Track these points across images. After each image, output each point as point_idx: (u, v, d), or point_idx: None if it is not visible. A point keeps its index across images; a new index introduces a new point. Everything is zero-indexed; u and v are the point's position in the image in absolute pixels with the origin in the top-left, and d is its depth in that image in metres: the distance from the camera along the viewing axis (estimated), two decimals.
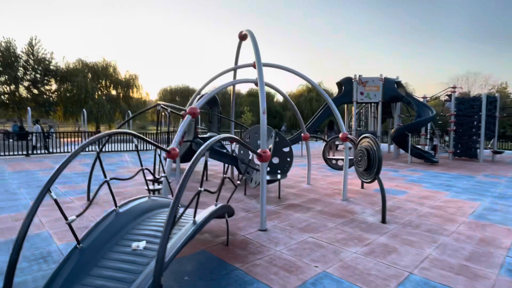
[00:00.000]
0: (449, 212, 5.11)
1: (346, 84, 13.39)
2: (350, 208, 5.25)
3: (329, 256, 3.34)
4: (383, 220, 4.52)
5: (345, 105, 14.55)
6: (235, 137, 3.30)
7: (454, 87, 13.03)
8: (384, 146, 17.33)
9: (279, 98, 73.87)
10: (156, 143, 3.70)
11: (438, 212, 5.09)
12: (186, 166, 9.66)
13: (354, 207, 5.34)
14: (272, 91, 76.01)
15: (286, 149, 5.86)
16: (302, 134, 7.12)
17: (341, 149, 14.04)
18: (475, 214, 4.97)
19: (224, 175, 3.12)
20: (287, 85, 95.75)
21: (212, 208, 2.96)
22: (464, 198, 6.05)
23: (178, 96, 49.25)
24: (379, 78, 12.89)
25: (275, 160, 6.00)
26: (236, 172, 7.64)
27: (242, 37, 5.53)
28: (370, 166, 4.81)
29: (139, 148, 3.66)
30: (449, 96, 13.21)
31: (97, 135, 2.59)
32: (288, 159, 5.88)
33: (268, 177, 5.79)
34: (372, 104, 14.04)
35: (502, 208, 5.37)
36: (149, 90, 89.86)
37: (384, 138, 17.86)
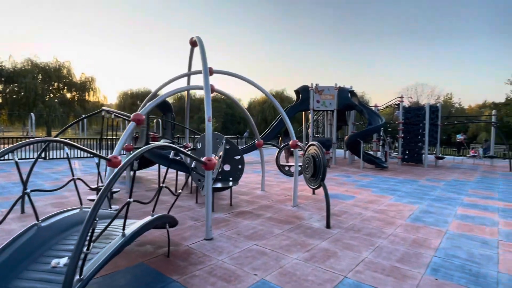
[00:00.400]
0: (390, 215, 5.40)
1: (303, 92, 13.78)
2: (299, 214, 5.35)
3: (270, 264, 3.37)
4: (328, 225, 4.66)
5: (303, 112, 14.91)
6: (172, 145, 3.23)
7: (401, 97, 13.93)
8: (340, 152, 18.03)
9: (244, 103, 74.17)
10: (94, 151, 3.52)
11: (380, 216, 5.36)
12: (141, 172, 9.37)
13: (303, 213, 5.45)
14: (237, 96, 75.92)
15: (238, 157, 5.86)
16: (256, 141, 7.18)
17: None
18: (412, 217, 5.30)
19: (162, 184, 3.03)
20: (252, 92, 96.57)
21: (146, 219, 2.86)
22: (405, 202, 6.44)
23: (139, 100, 47.66)
24: (334, 87, 13.43)
25: (227, 168, 5.97)
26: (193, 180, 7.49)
27: (193, 44, 5.49)
28: (316, 173, 4.95)
29: (92, 155, 3.42)
30: (398, 105, 14.11)
31: (15, 144, 2.40)
32: (240, 166, 5.89)
33: (219, 185, 5.75)
34: (328, 112, 14.55)
35: (437, 210, 5.79)
36: (108, 93, 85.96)
37: (340, 145, 18.55)
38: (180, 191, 3.50)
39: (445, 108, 60.81)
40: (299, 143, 5.69)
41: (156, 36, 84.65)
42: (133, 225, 2.76)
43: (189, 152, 4.31)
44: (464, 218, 5.30)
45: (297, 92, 14.13)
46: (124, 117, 5.95)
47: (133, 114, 4.42)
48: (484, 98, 69.58)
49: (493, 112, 15.41)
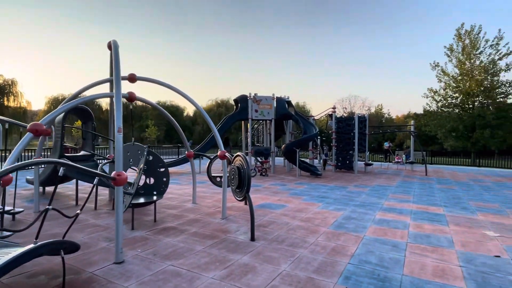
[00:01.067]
0: (315, 223, 5.51)
1: (241, 102, 13.83)
2: (226, 227, 5.19)
3: (182, 286, 3.12)
4: (252, 238, 4.57)
5: (242, 121, 14.95)
6: (60, 161, 2.84)
7: (334, 108, 14.78)
8: (280, 161, 18.45)
9: (189, 112, 72.45)
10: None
11: (306, 224, 5.45)
12: (51, 189, 8.25)
13: (231, 225, 5.30)
14: (182, 104, 74.03)
15: (162, 169, 5.52)
16: (186, 152, 6.89)
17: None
18: (335, 224, 5.48)
19: (48, 206, 2.62)
20: (197, 100, 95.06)
21: (24, 248, 2.43)
22: (332, 209, 6.67)
23: None
24: (272, 97, 13.71)
25: (150, 181, 5.58)
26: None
27: (110, 47, 5.06)
28: (241, 184, 4.85)
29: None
30: (331, 115, 14.92)
31: None
32: (164, 179, 5.55)
33: (142, 200, 5.33)
34: (267, 121, 14.79)
35: (358, 216, 6.08)
36: (33, 99, 77.29)
37: (280, 153, 18.98)
38: (78, 212, 3.10)
39: (377, 118, 66.71)
40: (227, 154, 5.55)
41: (92, 38, 79.15)
42: (5, 256, 2.31)
43: (107, 165, 3.87)
44: (381, 222, 5.63)
45: (236, 101, 14.14)
46: (22, 127, 5.23)
47: (30, 123, 3.86)
48: (409, 109, 78.19)
49: (412, 122, 17.14)
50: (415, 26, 74.69)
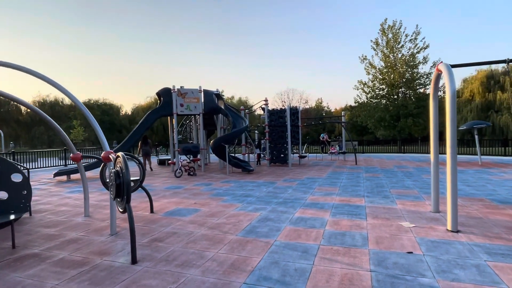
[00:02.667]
0: (224, 230, 4.75)
1: (165, 95, 12.60)
2: (109, 247, 4.15)
3: None
4: (134, 260, 3.61)
5: (168, 117, 13.71)
6: None
7: (266, 100, 14.28)
8: (213, 158, 17.54)
9: (127, 110, 67.62)
10: None
11: (212, 232, 4.65)
12: None
13: (116, 244, 4.27)
14: (118, 103, 68.86)
15: (18, 178, 4.25)
16: (71, 155, 5.62)
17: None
18: (247, 229, 4.77)
19: None
20: (135, 97, 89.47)
21: None
22: (250, 209, 5.99)
23: None
24: (199, 90, 12.71)
25: (2, 195, 4.28)
26: None
27: None
28: (120, 193, 3.84)
29: None
30: (263, 109, 14.43)
31: None
32: (25, 192, 4.28)
33: None
34: (197, 116, 13.80)
35: (276, 216, 5.47)
36: None
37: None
38: None
39: (317, 112, 69.37)
40: (111, 155, 4.48)
41: None
42: None
43: None
44: (298, 222, 5.08)
45: (158, 95, 12.86)
46: None
47: None
48: (346, 102, 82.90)
49: (342, 113, 17.53)
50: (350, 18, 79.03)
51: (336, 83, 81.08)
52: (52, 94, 62.80)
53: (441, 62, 4.56)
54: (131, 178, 5.74)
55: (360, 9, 75.95)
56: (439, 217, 5.17)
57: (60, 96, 66.32)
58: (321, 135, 23.60)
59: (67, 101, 63.49)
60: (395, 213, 5.48)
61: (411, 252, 3.70)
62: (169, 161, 13.12)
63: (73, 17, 77.62)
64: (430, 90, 6.08)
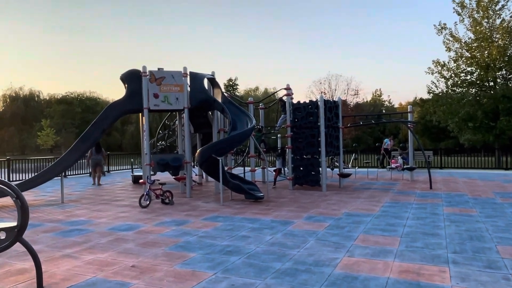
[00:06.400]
0: None
1: (130, 82, 11.18)
2: None
3: None
4: None
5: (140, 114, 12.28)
6: None
7: (287, 88, 12.57)
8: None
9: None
10: None
11: None
12: None
13: None
14: (104, 97, 70.36)
15: None
16: None
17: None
18: None
19: None
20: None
21: None
22: None
23: None
24: (182, 72, 11.19)
25: None
26: None
27: None
28: None
29: None
30: (283, 102, 12.95)
31: None
32: None
33: None
34: (182, 113, 12.33)
35: None
36: None
37: None
38: None
39: (374, 107, 66.40)
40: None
41: None
42: None
43: None
44: None
45: (122, 80, 11.48)
46: None
47: None
48: (415, 94, 79.02)
49: (409, 109, 15.29)
50: None
51: (401, 70, 77.58)
52: (26, 86, 64.86)
53: None
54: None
55: None
56: None
57: (37, 88, 68.53)
58: (385, 141, 21.43)
59: (45, 94, 65.53)
60: None
61: None
62: (141, 180, 11.78)
63: None
64: None
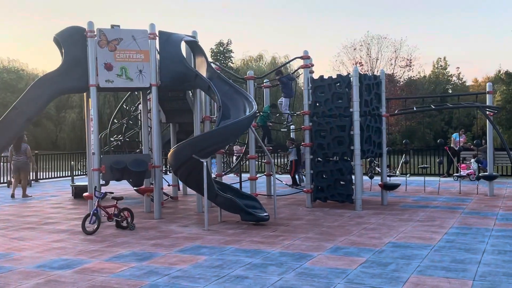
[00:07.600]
0: None
1: (70, 45, 11.39)
2: None
3: None
4: None
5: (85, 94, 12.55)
6: None
7: (305, 57, 12.82)
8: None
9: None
10: None
11: None
12: None
13: None
14: (30, 68, 71.12)
15: None
16: None
17: None
18: None
19: None
20: None
21: None
22: None
23: None
24: (148, 32, 11.36)
25: None
26: None
27: None
28: None
29: None
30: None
31: None
32: None
33: None
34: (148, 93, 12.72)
35: None
36: None
37: None
38: None
39: (436, 84, 66.63)
40: None
41: None
42: None
43: None
44: None
45: (57, 43, 11.71)
46: None
47: None
48: (498, 67, 79.43)
49: (488, 87, 15.39)
50: None
51: (477, 30, 77.89)
52: None
53: None
54: None
55: None
56: None
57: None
58: (454, 136, 21.91)
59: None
60: None
61: None
62: (85, 194, 12.04)
63: None
64: None
